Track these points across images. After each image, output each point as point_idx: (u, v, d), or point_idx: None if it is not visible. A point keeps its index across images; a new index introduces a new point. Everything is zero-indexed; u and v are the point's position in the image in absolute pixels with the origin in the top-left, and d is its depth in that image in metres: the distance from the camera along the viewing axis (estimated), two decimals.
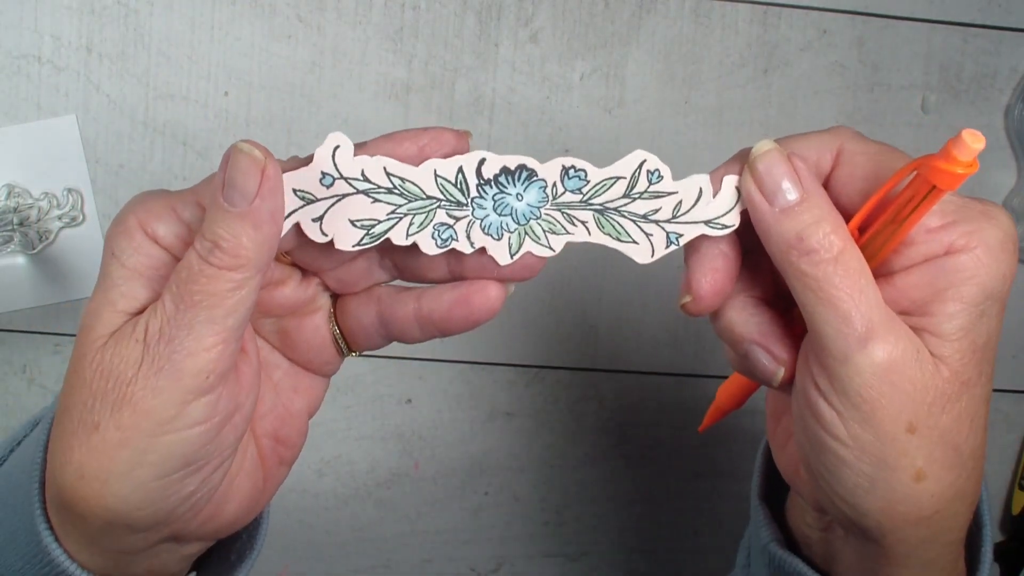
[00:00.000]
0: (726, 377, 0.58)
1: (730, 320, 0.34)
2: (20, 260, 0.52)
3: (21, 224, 0.51)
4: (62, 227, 0.52)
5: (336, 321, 0.35)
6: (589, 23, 0.54)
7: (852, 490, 0.31)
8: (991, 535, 0.35)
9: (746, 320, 0.34)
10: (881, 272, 0.32)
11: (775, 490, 0.40)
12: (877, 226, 0.31)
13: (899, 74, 0.56)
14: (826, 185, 0.33)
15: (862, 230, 0.32)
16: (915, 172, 0.30)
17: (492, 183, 0.34)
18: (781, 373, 0.33)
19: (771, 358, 0.33)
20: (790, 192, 0.31)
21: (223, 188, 0.29)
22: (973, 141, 0.28)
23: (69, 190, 0.52)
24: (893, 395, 0.30)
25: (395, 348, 0.56)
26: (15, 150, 0.51)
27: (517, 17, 0.53)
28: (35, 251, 0.51)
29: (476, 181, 0.33)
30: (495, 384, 0.57)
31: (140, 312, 0.30)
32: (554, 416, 0.57)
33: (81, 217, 0.52)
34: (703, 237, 0.34)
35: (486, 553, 0.59)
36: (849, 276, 0.30)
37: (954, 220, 0.31)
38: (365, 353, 0.53)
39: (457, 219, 0.34)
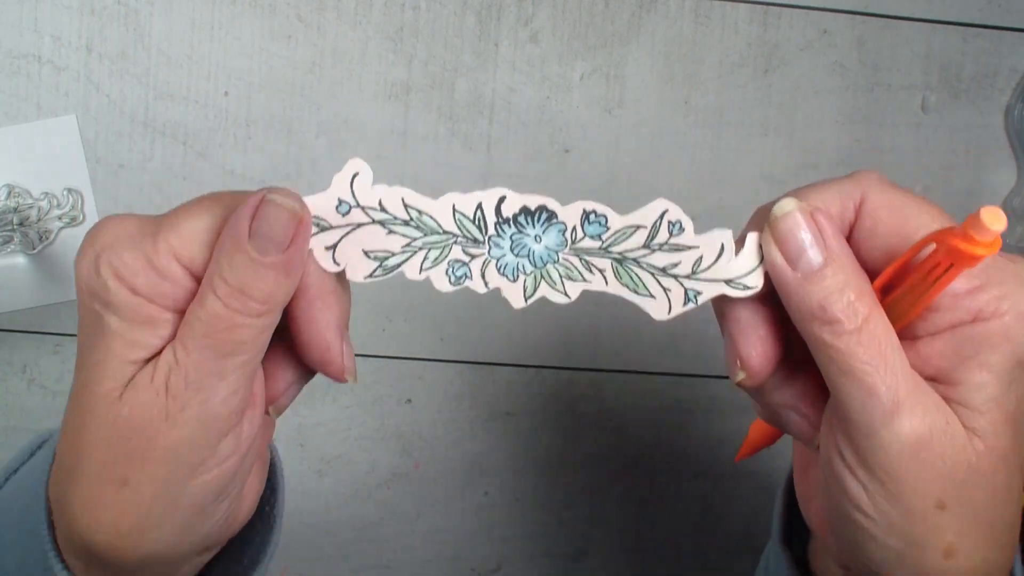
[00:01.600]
0: (726, 377, 0.58)
1: (763, 387, 0.33)
2: (20, 260, 0.52)
3: (21, 224, 0.51)
4: (62, 227, 0.52)
5: None
6: (589, 23, 0.54)
7: (879, 563, 0.30)
8: None
9: (777, 384, 0.33)
10: (905, 336, 0.30)
11: (793, 526, 0.38)
12: (901, 289, 0.30)
13: (899, 74, 0.56)
14: (848, 238, 0.31)
15: (886, 290, 0.30)
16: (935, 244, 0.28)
17: (511, 222, 0.32)
18: (819, 439, 0.31)
19: (807, 423, 0.32)
20: (814, 256, 0.30)
21: (250, 237, 0.29)
22: (992, 222, 0.26)
23: (69, 190, 0.52)
24: (922, 472, 0.28)
25: (395, 348, 0.56)
26: (15, 150, 0.51)
27: (517, 17, 0.53)
28: (35, 251, 0.51)
29: (495, 219, 0.32)
30: (495, 384, 0.57)
31: (149, 360, 0.30)
32: (554, 416, 0.57)
33: (81, 217, 0.52)
34: (739, 302, 0.32)
35: (486, 553, 0.59)
36: (874, 346, 0.29)
37: (983, 284, 0.29)
38: (366, 353, 0.53)
39: (473, 257, 0.33)
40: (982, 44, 0.56)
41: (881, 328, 0.29)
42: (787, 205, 0.30)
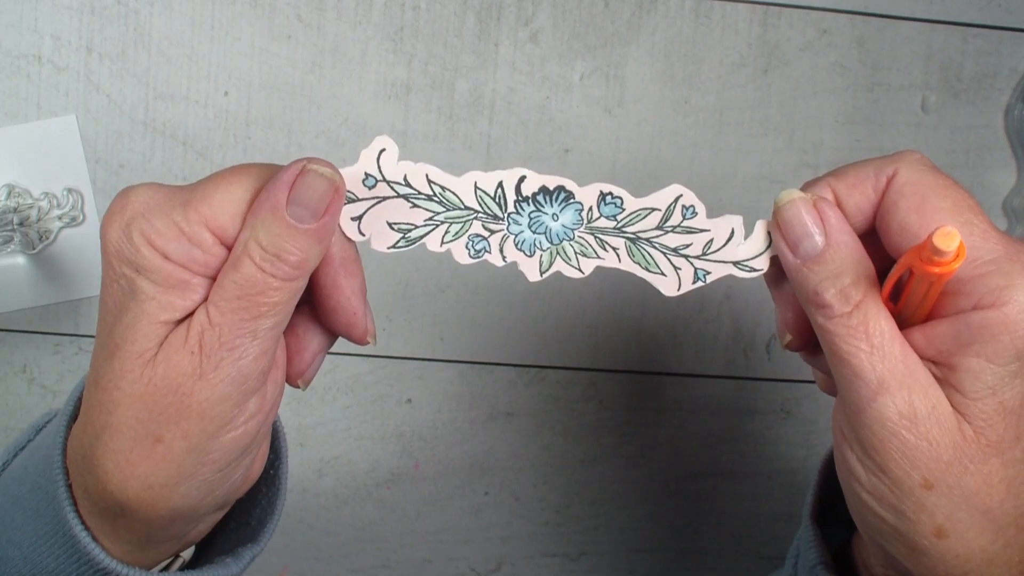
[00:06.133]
0: (726, 377, 0.58)
1: (806, 350, 0.35)
2: (20, 260, 0.52)
3: (21, 224, 0.51)
4: (62, 227, 0.52)
5: None
6: (589, 23, 0.54)
7: (880, 535, 0.32)
8: None
9: (814, 351, 0.34)
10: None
11: (828, 511, 0.39)
12: (907, 294, 0.31)
13: (899, 74, 0.56)
14: (876, 211, 0.32)
15: (896, 293, 0.31)
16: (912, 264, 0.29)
17: (530, 201, 0.34)
18: None
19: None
20: (812, 243, 0.32)
21: (288, 204, 0.30)
22: (945, 244, 0.28)
23: (69, 190, 0.52)
24: (905, 450, 0.30)
25: (395, 348, 0.56)
26: (15, 150, 0.51)
27: (517, 17, 0.53)
28: (35, 251, 0.51)
29: (515, 197, 0.34)
30: (495, 384, 0.57)
31: (180, 321, 0.31)
32: (554, 416, 0.57)
33: (81, 217, 0.52)
34: (781, 272, 0.34)
35: (486, 553, 0.59)
36: (861, 331, 0.30)
37: (988, 272, 0.30)
38: (366, 353, 0.54)
39: (492, 232, 0.35)
40: (982, 44, 0.56)
41: (873, 313, 0.30)
42: (790, 194, 0.32)
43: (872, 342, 0.30)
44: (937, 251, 0.28)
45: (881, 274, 0.32)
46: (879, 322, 0.30)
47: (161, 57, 0.52)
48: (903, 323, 0.32)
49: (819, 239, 0.31)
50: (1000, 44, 0.56)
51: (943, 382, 0.30)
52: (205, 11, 0.52)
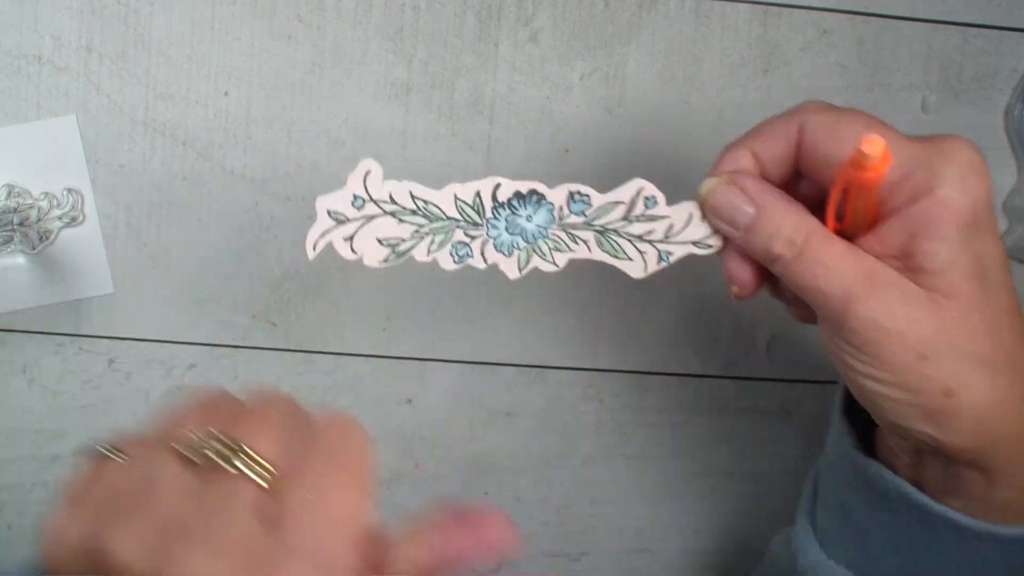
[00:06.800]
0: (726, 377, 0.58)
1: (755, 296, 0.39)
2: (20, 260, 0.52)
3: (21, 224, 0.51)
4: (62, 227, 0.52)
5: None
6: (589, 23, 0.54)
7: (900, 415, 0.35)
8: None
9: (776, 290, 0.39)
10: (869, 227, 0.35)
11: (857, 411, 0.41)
12: (852, 207, 0.35)
13: (899, 74, 0.56)
14: (797, 160, 0.37)
15: (840, 210, 0.35)
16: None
17: (505, 206, 0.37)
18: None
19: (808, 313, 0.38)
20: (746, 213, 0.36)
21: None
22: (871, 148, 0.32)
23: (69, 190, 0.52)
24: (891, 337, 0.33)
25: (395, 348, 0.56)
26: (15, 150, 0.51)
27: (517, 17, 0.53)
28: (35, 251, 0.51)
29: (491, 204, 0.37)
30: (495, 384, 0.57)
31: None
32: (554, 416, 0.57)
33: (81, 217, 0.52)
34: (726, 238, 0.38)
35: None
36: (812, 264, 0.35)
37: (913, 169, 0.34)
38: (366, 353, 0.53)
39: (473, 238, 0.38)
40: (982, 44, 0.56)
41: (818, 244, 0.35)
42: (708, 184, 0.37)
43: (828, 267, 0.34)
44: (865, 156, 0.32)
45: (817, 205, 0.36)
46: (827, 248, 0.35)
47: (161, 57, 0.52)
48: (854, 236, 0.35)
49: (749, 209, 0.36)
50: (1000, 44, 0.56)
51: (908, 271, 0.34)
52: (205, 11, 0.52)
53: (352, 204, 0.36)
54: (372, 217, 0.37)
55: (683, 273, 0.54)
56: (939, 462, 0.36)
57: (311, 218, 0.37)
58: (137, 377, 0.54)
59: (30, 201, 0.51)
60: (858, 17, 0.55)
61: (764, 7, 0.54)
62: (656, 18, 0.54)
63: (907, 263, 0.34)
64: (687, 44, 0.54)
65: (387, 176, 0.37)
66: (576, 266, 0.55)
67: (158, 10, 0.51)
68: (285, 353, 0.55)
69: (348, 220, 0.37)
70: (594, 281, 0.56)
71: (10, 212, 0.51)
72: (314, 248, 0.37)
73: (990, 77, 0.56)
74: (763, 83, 0.55)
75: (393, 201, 0.37)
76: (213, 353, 0.54)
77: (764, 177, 0.37)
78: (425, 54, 0.53)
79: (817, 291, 0.35)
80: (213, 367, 0.55)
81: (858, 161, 0.32)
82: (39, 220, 0.51)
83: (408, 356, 0.56)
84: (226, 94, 0.52)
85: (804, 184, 0.38)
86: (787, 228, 0.35)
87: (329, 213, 0.37)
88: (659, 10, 0.54)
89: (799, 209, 0.36)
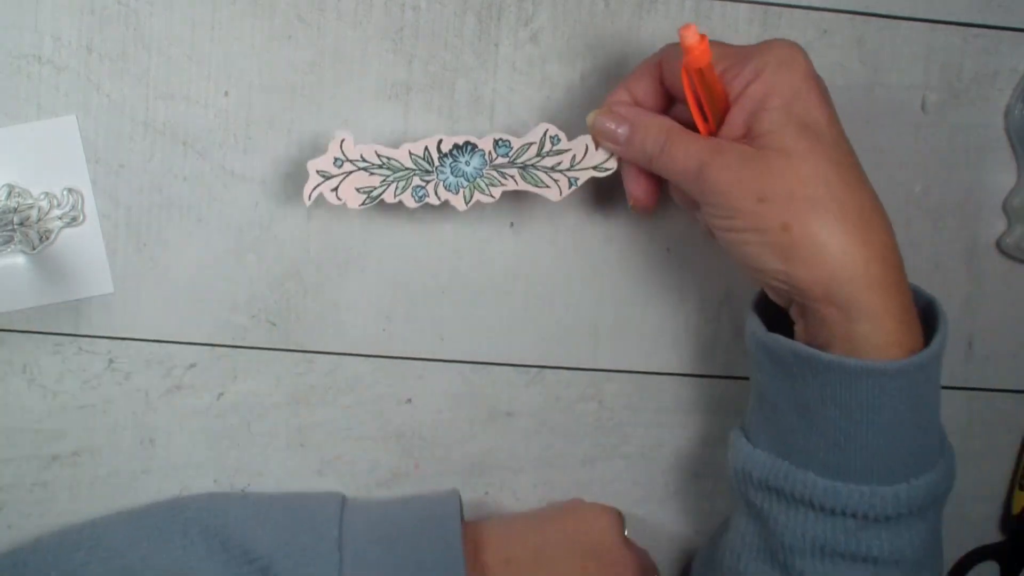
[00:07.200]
0: (726, 377, 0.58)
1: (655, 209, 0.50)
2: (20, 260, 0.52)
3: (21, 224, 0.51)
4: (62, 227, 0.52)
5: None
6: (589, 23, 0.54)
7: (759, 259, 0.42)
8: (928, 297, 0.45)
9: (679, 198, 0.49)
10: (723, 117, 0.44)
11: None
12: (707, 101, 0.44)
13: (899, 74, 0.56)
14: (665, 88, 0.47)
15: (701, 106, 0.44)
16: (688, 72, 0.43)
17: (448, 155, 0.49)
18: None
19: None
20: (621, 133, 0.47)
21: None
22: (689, 35, 0.41)
23: (69, 190, 0.52)
24: (734, 187, 0.42)
25: (395, 348, 0.56)
26: (15, 150, 0.51)
27: (517, 17, 0.53)
28: (35, 251, 0.51)
29: (438, 155, 0.49)
30: (495, 384, 0.57)
31: None
32: (554, 416, 0.57)
33: (81, 217, 0.52)
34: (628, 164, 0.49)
35: None
36: (676, 150, 0.44)
37: (743, 65, 0.43)
38: (366, 353, 0.54)
39: (427, 182, 0.49)
40: (982, 44, 0.56)
41: (677, 139, 0.44)
42: (591, 116, 0.48)
43: (685, 150, 0.44)
44: (688, 45, 0.41)
45: (689, 124, 0.46)
46: (683, 137, 0.44)
47: (161, 57, 0.52)
48: (718, 122, 0.44)
49: (622, 129, 0.47)
50: (1000, 44, 0.56)
51: (749, 141, 0.42)
52: (205, 11, 0.52)
53: (334, 164, 0.48)
54: (350, 173, 0.49)
55: (683, 273, 0.54)
56: (811, 312, 0.42)
57: (305, 178, 0.49)
58: (137, 377, 0.54)
59: (30, 201, 0.51)
60: (858, 17, 0.55)
61: (764, 7, 0.54)
62: (656, 18, 0.54)
63: (749, 137, 0.43)
64: None
65: None
66: (576, 266, 0.55)
67: (158, 10, 0.51)
68: (285, 353, 0.55)
69: (332, 176, 0.48)
70: (594, 281, 0.56)
71: (10, 212, 0.51)
72: (309, 198, 0.49)
73: (990, 77, 0.56)
74: None
75: (364, 159, 0.49)
76: (213, 353, 0.54)
77: (640, 106, 0.47)
78: (425, 54, 0.53)
79: (681, 171, 0.44)
80: (213, 367, 0.55)
81: (686, 54, 0.41)
82: (39, 220, 0.51)
83: (408, 356, 0.56)
84: (226, 94, 0.52)
85: (677, 108, 0.48)
86: (652, 131, 0.45)
87: (318, 172, 0.48)
88: (659, 10, 0.54)
89: (660, 117, 0.46)
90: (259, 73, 0.52)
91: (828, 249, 0.41)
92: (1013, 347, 0.59)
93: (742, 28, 0.54)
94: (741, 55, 0.44)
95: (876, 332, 0.41)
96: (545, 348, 0.57)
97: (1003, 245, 0.57)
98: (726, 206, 0.42)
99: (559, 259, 0.56)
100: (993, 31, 0.56)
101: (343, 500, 0.52)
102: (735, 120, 0.43)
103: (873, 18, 0.55)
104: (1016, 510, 0.60)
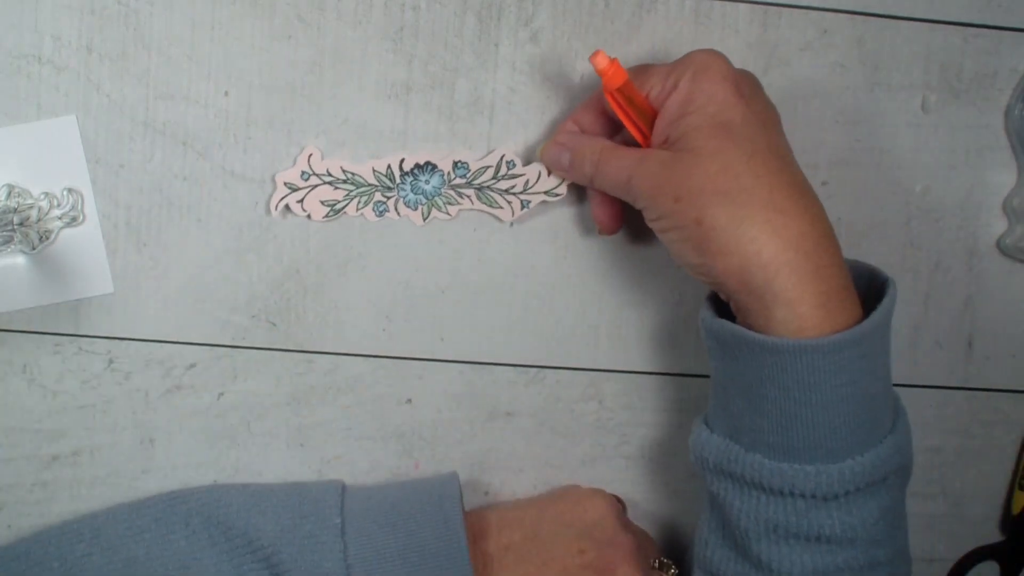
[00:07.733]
0: None
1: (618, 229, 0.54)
2: (20, 260, 0.52)
3: (21, 224, 0.51)
4: (62, 227, 0.52)
5: None
6: (589, 23, 0.54)
7: (682, 254, 0.45)
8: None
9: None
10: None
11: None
12: (641, 119, 0.48)
13: (899, 74, 0.56)
14: (604, 111, 0.50)
15: (641, 125, 0.48)
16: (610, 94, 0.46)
17: (410, 174, 0.52)
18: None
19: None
20: (566, 158, 0.51)
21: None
22: (599, 61, 0.45)
23: (69, 190, 0.52)
24: (655, 190, 0.45)
25: (395, 348, 0.56)
26: (15, 150, 0.51)
27: (517, 17, 0.53)
28: (35, 251, 0.51)
29: (399, 172, 0.52)
30: (495, 384, 0.57)
31: None
32: (554, 416, 0.57)
33: (81, 217, 0.52)
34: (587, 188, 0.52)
35: None
36: (609, 167, 0.48)
37: (664, 82, 0.46)
38: (366, 353, 0.54)
39: (388, 198, 0.52)
40: (982, 44, 0.56)
41: (608, 155, 0.48)
42: (541, 148, 0.52)
43: (617, 165, 0.47)
44: (600, 70, 0.45)
45: (635, 144, 0.49)
46: (614, 154, 0.48)
47: (161, 57, 0.52)
48: (648, 136, 0.48)
49: (564, 156, 0.50)
50: (1000, 44, 0.56)
51: (672, 146, 0.45)
52: (205, 11, 0.52)
53: (301, 177, 0.51)
54: (315, 186, 0.51)
55: (683, 273, 0.54)
56: (735, 302, 0.44)
57: (273, 188, 0.52)
58: (136, 377, 0.54)
59: (30, 201, 0.51)
60: (858, 17, 0.55)
61: (764, 7, 0.54)
62: (656, 18, 0.54)
63: (669, 143, 0.46)
64: (687, 44, 0.54)
65: None
66: (576, 267, 0.55)
67: (158, 10, 0.51)
68: (285, 353, 0.55)
69: (298, 188, 0.51)
70: (594, 281, 0.56)
71: (10, 212, 0.51)
72: (275, 208, 0.51)
73: (990, 77, 0.56)
74: (763, 83, 0.55)
75: (329, 174, 0.51)
76: (213, 353, 0.54)
77: (588, 134, 0.51)
78: (425, 54, 0.53)
79: (613, 184, 0.48)
80: (213, 367, 0.55)
81: (604, 80, 0.45)
82: (39, 220, 0.51)
83: (408, 356, 0.56)
84: (226, 94, 0.52)
85: (624, 133, 0.50)
86: (587, 153, 0.49)
87: (285, 184, 0.51)
88: (659, 10, 0.54)
89: (596, 139, 0.50)
90: (259, 73, 0.52)
91: (737, 239, 0.42)
92: (1013, 347, 0.59)
93: (742, 28, 0.54)
94: (664, 72, 0.47)
95: (792, 318, 0.42)
96: (545, 348, 0.57)
97: (1003, 245, 0.57)
98: (652, 208, 0.45)
99: (559, 259, 0.56)
100: (993, 31, 0.56)
101: (343, 487, 0.52)
102: (659, 130, 0.46)
103: (873, 18, 0.55)
104: (1016, 510, 0.60)
